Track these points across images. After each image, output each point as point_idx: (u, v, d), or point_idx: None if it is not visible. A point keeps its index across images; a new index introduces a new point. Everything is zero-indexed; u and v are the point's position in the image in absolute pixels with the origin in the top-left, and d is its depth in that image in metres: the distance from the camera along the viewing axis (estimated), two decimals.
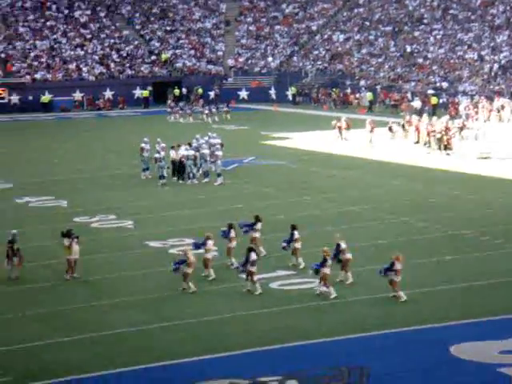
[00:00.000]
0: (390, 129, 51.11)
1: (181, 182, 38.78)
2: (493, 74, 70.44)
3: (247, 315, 20.87)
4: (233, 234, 24.91)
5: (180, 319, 20.54)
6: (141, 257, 26.46)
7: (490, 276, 23.27)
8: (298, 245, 24.55)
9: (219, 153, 39.21)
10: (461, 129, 49.30)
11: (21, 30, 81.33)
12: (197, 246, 24.12)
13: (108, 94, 76.91)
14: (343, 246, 22.93)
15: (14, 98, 74.30)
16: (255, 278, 22.38)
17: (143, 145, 40.76)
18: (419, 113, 58.10)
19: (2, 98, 73.81)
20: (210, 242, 23.86)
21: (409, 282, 22.00)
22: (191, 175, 38.85)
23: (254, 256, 22.37)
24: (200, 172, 39.17)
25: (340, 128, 50.87)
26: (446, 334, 19.10)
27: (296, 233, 24.55)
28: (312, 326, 19.99)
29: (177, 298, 22.26)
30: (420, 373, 17.07)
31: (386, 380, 16.79)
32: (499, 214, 31.14)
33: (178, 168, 39.13)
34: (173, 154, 39.18)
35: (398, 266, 21.37)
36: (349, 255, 22.98)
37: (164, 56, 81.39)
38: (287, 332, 19.51)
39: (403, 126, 51.31)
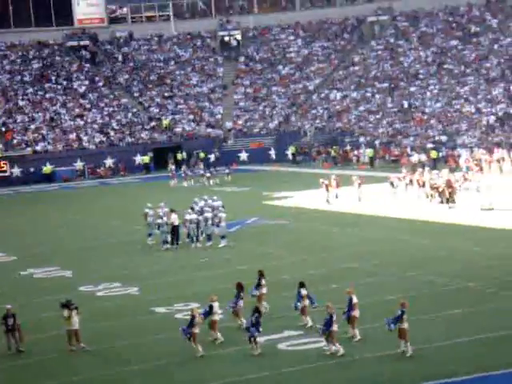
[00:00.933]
0: (392, 184, 51.16)
1: (174, 246, 38.67)
2: (490, 125, 70.89)
3: (256, 378, 20.69)
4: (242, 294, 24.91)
5: None
6: (147, 323, 26.33)
7: (499, 329, 23.10)
8: (306, 303, 24.49)
9: (223, 215, 39.27)
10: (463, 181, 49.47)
11: (20, 103, 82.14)
12: (205, 314, 23.87)
13: (109, 161, 77.36)
14: (355, 300, 22.88)
15: (16, 171, 74.76)
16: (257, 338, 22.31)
17: (147, 210, 40.84)
18: (417, 167, 58.16)
19: (4, 171, 74.22)
20: (216, 305, 23.78)
21: (417, 337, 21.84)
22: (194, 239, 38.82)
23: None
24: (203, 236, 39.16)
25: (327, 186, 49.93)
26: None
27: (303, 290, 24.49)
28: None
29: (186, 364, 22.10)
30: None
31: None
32: (505, 265, 31.02)
33: (172, 233, 39.19)
34: (165, 218, 39.21)
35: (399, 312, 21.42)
36: (357, 312, 22.90)
37: (165, 122, 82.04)
38: None
39: (411, 181, 51.06)
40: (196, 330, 22.50)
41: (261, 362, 21.79)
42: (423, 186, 48.37)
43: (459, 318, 24.55)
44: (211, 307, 23.68)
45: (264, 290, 26.03)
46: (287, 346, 22.95)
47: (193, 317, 22.66)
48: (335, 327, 21.71)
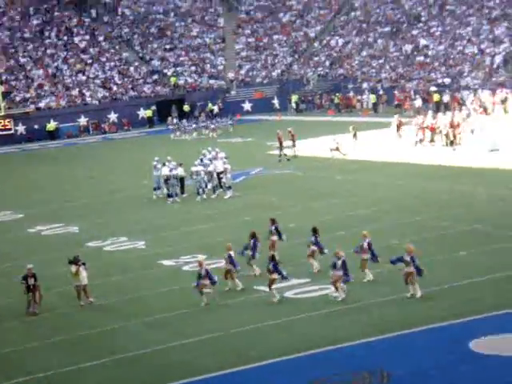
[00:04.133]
0: (398, 127, 50.80)
1: (177, 198, 38.73)
2: (494, 66, 70.33)
3: (264, 326, 20.82)
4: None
5: (199, 335, 20.50)
6: (155, 276, 26.47)
7: (507, 269, 23.15)
8: (314, 248, 24.69)
9: (227, 166, 39.24)
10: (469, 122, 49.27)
11: (21, 60, 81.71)
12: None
13: (112, 116, 77.17)
14: (365, 244, 23.24)
15: (20, 128, 74.68)
16: (273, 285, 22.45)
17: (155, 163, 40.66)
18: (421, 111, 57.97)
19: (9, 129, 74.14)
20: (232, 253, 23.87)
21: (425, 279, 21.92)
22: (201, 191, 38.82)
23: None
24: (209, 187, 39.15)
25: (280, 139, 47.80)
26: (465, 329, 19.03)
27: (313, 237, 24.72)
28: (331, 332, 19.94)
29: (194, 315, 22.23)
30: (441, 371, 17.00)
31: (407, 381, 16.73)
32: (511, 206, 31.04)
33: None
34: (174, 171, 39.18)
35: (406, 257, 21.49)
36: (367, 255, 23.16)
37: (173, 79, 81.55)
38: (306, 340, 19.46)
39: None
40: (206, 282, 22.62)
41: (269, 310, 21.91)
42: (432, 130, 48.11)
43: (466, 260, 24.61)
44: (230, 256, 23.76)
45: (275, 238, 26.05)
46: (295, 294, 23.06)
47: (202, 269, 22.74)
48: (340, 272, 21.91)
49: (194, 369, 18.40)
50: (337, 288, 22.00)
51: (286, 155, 47.66)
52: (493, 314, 19.80)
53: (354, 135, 48.85)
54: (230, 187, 38.74)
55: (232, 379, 17.81)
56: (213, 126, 66.09)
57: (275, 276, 22.52)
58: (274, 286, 22.55)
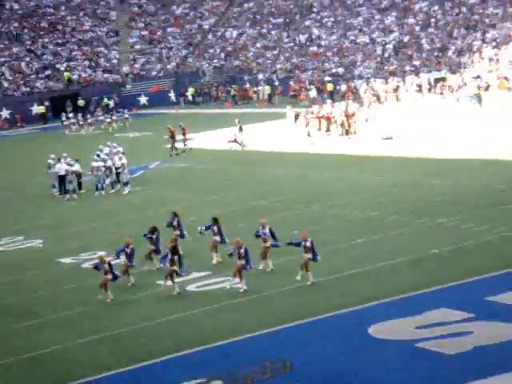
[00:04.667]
0: (297, 116, 51.22)
1: (63, 196, 38.24)
2: (385, 55, 71.70)
3: (166, 321, 20.76)
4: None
5: (99, 333, 20.29)
6: (53, 275, 26.06)
7: (400, 254, 23.64)
8: (217, 239, 24.70)
9: (124, 161, 38.90)
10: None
11: None
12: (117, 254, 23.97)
13: (4, 113, 75.53)
14: (267, 232, 23.34)
15: None
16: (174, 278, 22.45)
17: (50, 161, 40.06)
18: (315, 101, 58.66)
19: None
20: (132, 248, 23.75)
21: (323, 267, 22.22)
22: (100, 186, 38.38)
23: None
24: (107, 183, 38.75)
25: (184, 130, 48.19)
26: (363, 316, 19.36)
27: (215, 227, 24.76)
28: (231, 324, 20.02)
29: (94, 313, 21.99)
30: (340, 356, 17.27)
31: (308, 368, 16.93)
32: (405, 193, 31.66)
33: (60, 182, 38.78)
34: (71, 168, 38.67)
35: (307, 243, 21.76)
36: (268, 244, 23.31)
37: (66, 74, 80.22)
38: (207, 333, 19.49)
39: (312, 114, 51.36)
40: (109, 277, 22.44)
41: (171, 304, 21.86)
42: (328, 119, 48.70)
43: (363, 248, 25.02)
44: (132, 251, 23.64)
45: (178, 232, 26.01)
46: (196, 287, 23.05)
47: (102, 264, 22.54)
48: (242, 261, 21.98)
49: (94, 367, 18.21)
50: (240, 278, 22.05)
51: (176, 149, 47.46)
52: (390, 300, 20.20)
53: (240, 128, 48.53)
54: (127, 183, 38.43)
55: (135, 375, 17.68)
56: (109, 120, 65.41)
57: (175, 268, 22.44)
58: (175, 279, 22.47)
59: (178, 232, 26.02)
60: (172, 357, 18.36)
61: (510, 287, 19.89)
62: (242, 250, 22.19)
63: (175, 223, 26.37)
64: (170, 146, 47.84)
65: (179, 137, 48.27)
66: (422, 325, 18.19)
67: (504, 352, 16.47)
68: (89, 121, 66.98)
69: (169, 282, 22.50)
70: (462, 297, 19.82)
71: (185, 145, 48.32)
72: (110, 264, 22.72)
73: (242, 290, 22.00)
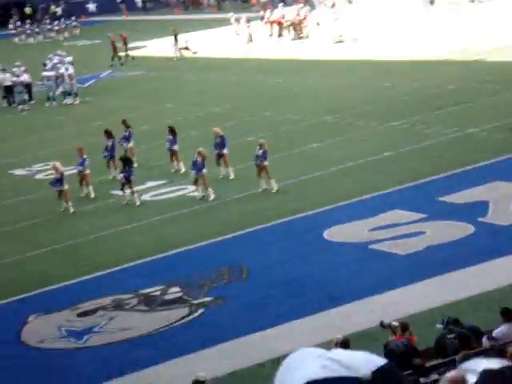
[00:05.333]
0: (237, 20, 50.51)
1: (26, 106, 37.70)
2: None
3: (124, 230, 20.84)
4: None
5: (55, 243, 20.35)
6: (6, 186, 25.90)
7: (353, 158, 23.77)
8: (176, 147, 24.46)
9: (71, 71, 38.22)
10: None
11: None
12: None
13: None
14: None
15: None
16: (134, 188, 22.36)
17: None
18: (268, 5, 57.89)
19: None
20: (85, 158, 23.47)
21: (278, 174, 22.34)
22: (51, 96, 37.81)
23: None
24: (58, 92, 38.21)
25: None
26: (318, 220, 19.60)
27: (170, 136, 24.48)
28: (188, 231, 20.17)
29: (50, 223, 21.98)
30: (297, 260, 17.54)
31: (265, 273, 17.19)
32: (359, 95, 31.64)
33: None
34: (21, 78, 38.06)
35: (259, 152, 21.75)
36: (225, 151, 23.25)
37: None
38: (165, 241, 19.64)
39: (262, 19, 50.78)
40: (66, 187, 22.30)
41: (128, 213, 21.90)
42: (279, 24, 48.18)
43: (316, 152, 25.11)
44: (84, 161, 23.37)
45: (132, 144, 25.77)
46: (152, 196, 23.07)
47: (61, 174, 22.29)
48: (205, 170, 21.94)
49: (50, 277, 18.31)
50: (197, 187, 22.05)
51: (120, 58, 46.61)
52: (344, 203, 20.43)
53: (175, 38, 46.81)
54: (76, 94, 37.86)
55: (91, 286, 17.82)
56: (56, 28, 64.04)
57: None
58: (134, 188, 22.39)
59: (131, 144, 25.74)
60: (131, 265, 18.51)
61: (461, 187, 20.21)
62: (196, 160, 22.12)
63: (127, 134, 26.05)
64: (112, 55, 46.97)
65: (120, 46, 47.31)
66: (375, 227, 18.48)
67: (455, 249, 16.85)
68: (36, 29, 65.50)
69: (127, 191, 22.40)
70: (414, 198, 20.11)
71: (126, 54, 47.43)
72: (62, 174, 22.43)
73: (211, 199, 21.88)
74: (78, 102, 37.52)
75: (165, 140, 24.87)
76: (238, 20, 50.99)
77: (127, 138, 25.79)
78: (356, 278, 16.37)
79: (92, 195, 23.32)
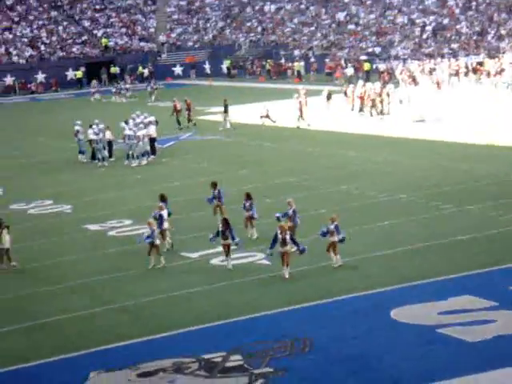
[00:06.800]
0: (329, 96, 50.89)
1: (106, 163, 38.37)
2: (424, 37, 71.05)
3: (189, 293, 20.82)
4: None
5: (122, 302, 20.42)
6: (80, 241, 26.22)
7: (426, 239, 23.51)
8: (250, 214, 24.46)
9: (144, 132, 38.70)
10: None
11: None
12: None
13: (40, 76, 75.87)
14: (290, 212, 23.09)
15: None
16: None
17: (77, 127, 40.31)
18: (351, 80, 58.37)
19: None
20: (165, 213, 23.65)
21: (346, 249, 22.15)
22: (130, 155, 38.40)
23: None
24: (137, 152, 38.75)
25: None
26: (386, 299, 19.31)
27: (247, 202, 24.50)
28: (255, 299, 20.04)
29: (118, 281, 22.11)
30: (362, 338, 17.25)
31: (329, 348, 16.93)
32: (435, 176, 31.44)
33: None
34: (101, 135, 38.87)
35: (331, 226, 21.58)
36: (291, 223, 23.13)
37: (104, 40, 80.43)
38: (230, 307, 19.54)
39: (345, 94, 51.11)
40: (157, 242, 22.47)
41: (193, 277, 21.90)
42: (361, 99, 48.39)
43: (389, 230, 24.92)
44: (161, 216, 23.55)
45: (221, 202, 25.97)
46: (221, 261, 23.03)
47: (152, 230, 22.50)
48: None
49: (115, 335, 18.32)
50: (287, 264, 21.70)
51: (179, 124, 47.26)
52: (414, 284, 20.12)
53: (226, 109, 46.54)
54: (147, 154, 38.33)
55: (154, 346, 17.77)
56: (149, 90, 65.38)
57: (230, 241, 22.25)
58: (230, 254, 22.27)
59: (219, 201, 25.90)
60: (193, 329, 18.43)
61: None
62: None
63: (216, 193, 26.16)
64: (186, 118, 47.63)
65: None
66: (444, 311, 18.10)
67: None
68: (122, 88, 66.98)
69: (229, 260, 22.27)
70: (485, 285, 19.69)
71: (189, 120, 48.00)
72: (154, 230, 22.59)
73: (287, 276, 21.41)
74: (144, 162, 37.83)
75: (239, 205, 24.92)
76: (329, 94, 51.11)
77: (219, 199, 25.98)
78: (420, 361, 15.98)
79: (161, 264, 23.22)
